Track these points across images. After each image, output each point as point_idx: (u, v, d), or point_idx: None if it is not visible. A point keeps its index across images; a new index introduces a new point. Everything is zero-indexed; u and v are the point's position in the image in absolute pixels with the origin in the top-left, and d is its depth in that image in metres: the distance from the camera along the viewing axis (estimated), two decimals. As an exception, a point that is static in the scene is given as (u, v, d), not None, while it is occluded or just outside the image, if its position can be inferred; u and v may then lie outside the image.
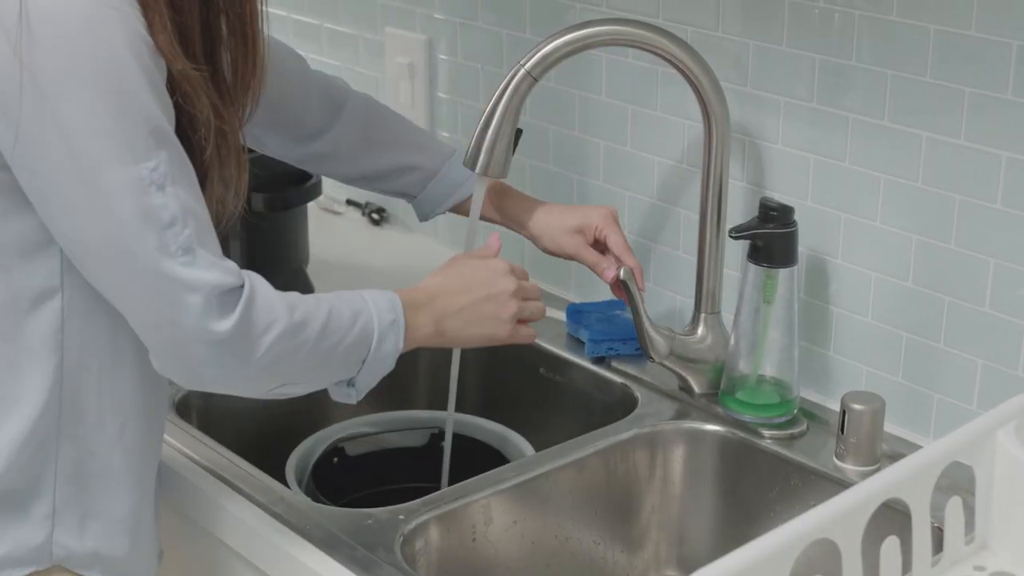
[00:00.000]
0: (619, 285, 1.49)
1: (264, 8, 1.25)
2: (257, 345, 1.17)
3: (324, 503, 1.41)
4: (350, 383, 1.29)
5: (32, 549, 1.23)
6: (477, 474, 1.42)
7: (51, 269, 1.17)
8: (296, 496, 1.39)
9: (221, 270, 1.14)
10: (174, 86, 1.14)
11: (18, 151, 1.09)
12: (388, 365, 1.29)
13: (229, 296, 1.15)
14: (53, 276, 1.18)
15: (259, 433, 1.66)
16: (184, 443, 1.46)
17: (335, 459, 1.60)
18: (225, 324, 1.14)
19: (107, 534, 1.26)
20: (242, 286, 1.16)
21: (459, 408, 1.57)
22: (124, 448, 1.25)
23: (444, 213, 1.59)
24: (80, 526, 1.25)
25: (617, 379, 1.61)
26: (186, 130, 1.16)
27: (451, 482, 1.48)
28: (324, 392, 1.62)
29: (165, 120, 1.11)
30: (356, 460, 1.62)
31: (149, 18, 1.11)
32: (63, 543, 1.24)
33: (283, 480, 1.45)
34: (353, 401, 1.31)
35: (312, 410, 1.71)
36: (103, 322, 1.20)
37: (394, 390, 1.79)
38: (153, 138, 1.10)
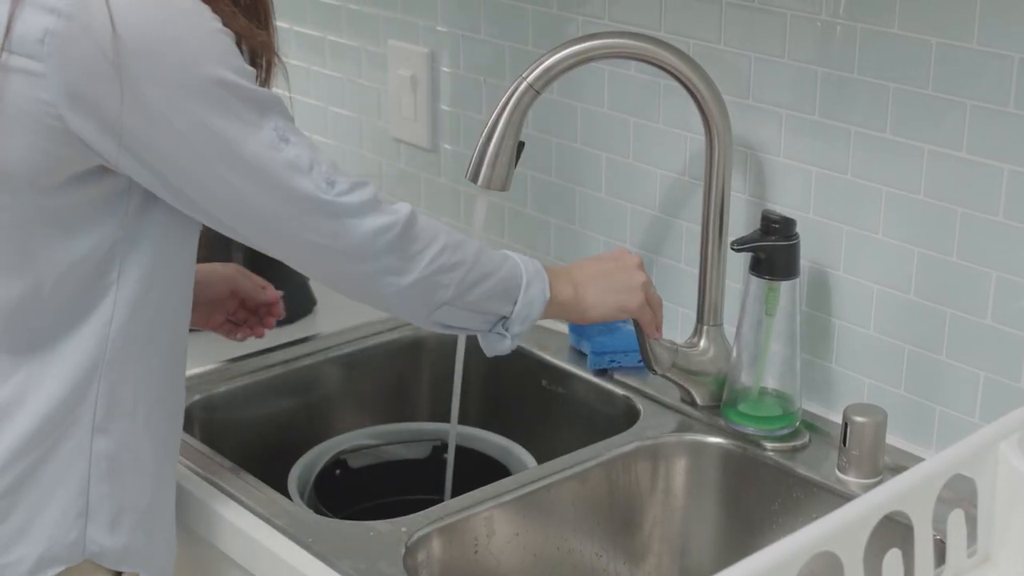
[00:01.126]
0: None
1: None
2: (423, 253, 1.26)
3: (326, 515, 1.41)
4: (504, 326, 1.34)
5: (66, 546, 1.24)
6: (480, 486, 1.42)
7: (111, 266, 1.22)
8: (299, 508, 1.39)
9: (363, 189, 1.23)
10: (256, 57, 1.25)
11: (144, 156, 1.16)
12: (537, 310, 1.35)
13: (386, 209, 1.24)
14: (112, 272, 1.22)
15: (261, 445, 1.66)
16: (187, 455, 1.45)
17: (337, 471, 1.60)
18: (391, 232, 1.23)
19: (136, 527, 1.27)
20: (387, 203, 1.25)
21: (461, 420, 1.57)
22: (151, 436, 1.27)
23: None
24: (113, 521, 1.25)
25: (619, 391, 1.62)
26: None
27: (454, 494, 1.48)
28: (325, 405, 1.63)
29: (259, 90, 1.19)
30: (358, 472, 1.62)
31: (219, 10, 1.18)
32: (96, 539, 1.25)
33: (285, 493, 1.45)
34: (506, 350, 1.36)
35: (314, 423, 1.71)
36: (145, 313, 1.24)
37: (396, 402, 1.79)
38: (256, 104, 1.18)
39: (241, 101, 1.16)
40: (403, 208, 1.25)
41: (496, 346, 1.36)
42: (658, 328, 1.49)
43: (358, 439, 1.64)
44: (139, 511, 1.27)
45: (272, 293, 1.58)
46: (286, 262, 1.28)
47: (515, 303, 1.34)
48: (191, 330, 1.34)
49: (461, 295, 1.29)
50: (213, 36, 1.16)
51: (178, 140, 1.15)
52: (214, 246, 1.73)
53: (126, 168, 1.17)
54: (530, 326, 1.36)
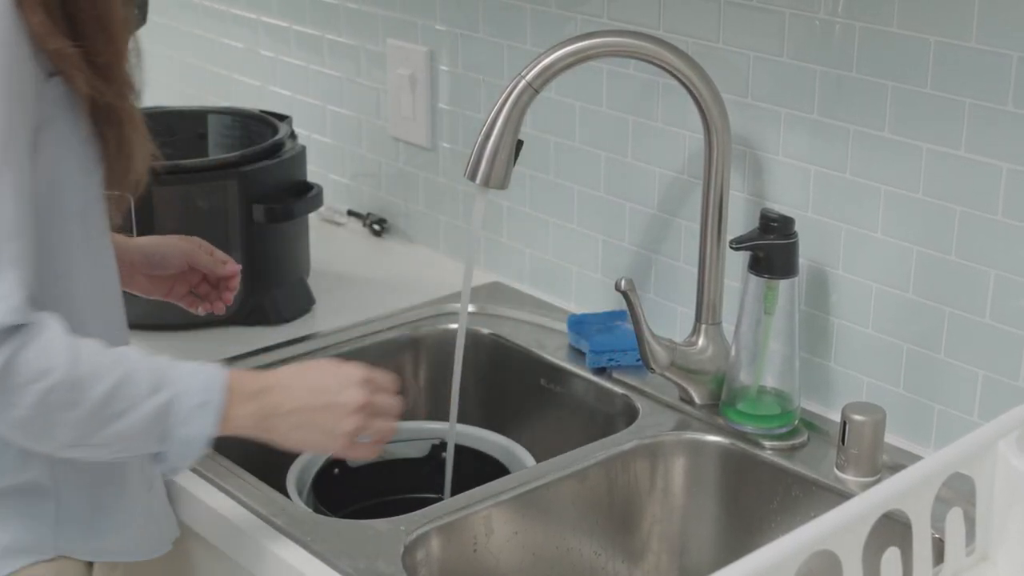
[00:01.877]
0: None
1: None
2: (24, 391, 1.10)
3: (325, 514, 1.41)
4: (161, 459, 1.20)
5: (38, 541, 1.23)
6: (479, 485, 1.42)
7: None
8: (298, 507, 1.39)
9: None
10: (54, 66, 1.15)
11: None
12: (196, 449, 1.19)
13: (1, 333, 1.10)
14: None
15: (260, 444, 1.65)
16: (185, 454, 1.46)
17: (336, 470, 1.60)
18: None
19: (114, 526, 1.27)
20: (20, 326, 1.10)
21: (460, 419, 1.57)
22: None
23: None
24: (89, 520, 1.25)
25: (618, 390, 1.62)
26: (70, 109, 1.17)
27: (453, 493, 1.48)
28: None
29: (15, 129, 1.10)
30: (357, 471, 1.62)
31: (21, 1, 1.11)
32: (70, 537, 1.25)
33: (284, 491, 1.45)
34: (168, 476, 1.23)
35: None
36: (61, 301, 1.19)
37: (395, 401, 1.79)
38: None
39: None
40: (24, 333, 1.10)
41: (163, 470, 1.22)
42: (369, 454, 1.31)
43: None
44: (115, 511, 1.27)
45: (231, 267, 1.55)
46: None
47: (165, 441, 1.17)
48: (159, 300, 1.36)
49: (86, 436, 1.14)
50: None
51: None
52: (210, 242, 1.73)
53: None
54: (195, 459, 1.20)
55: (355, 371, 1.28)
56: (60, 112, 1.17)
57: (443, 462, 1.59)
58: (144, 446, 1.18)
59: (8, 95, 1.10)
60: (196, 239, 1.56)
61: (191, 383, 1.19)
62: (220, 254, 1.56)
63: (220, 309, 1.57)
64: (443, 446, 1.61)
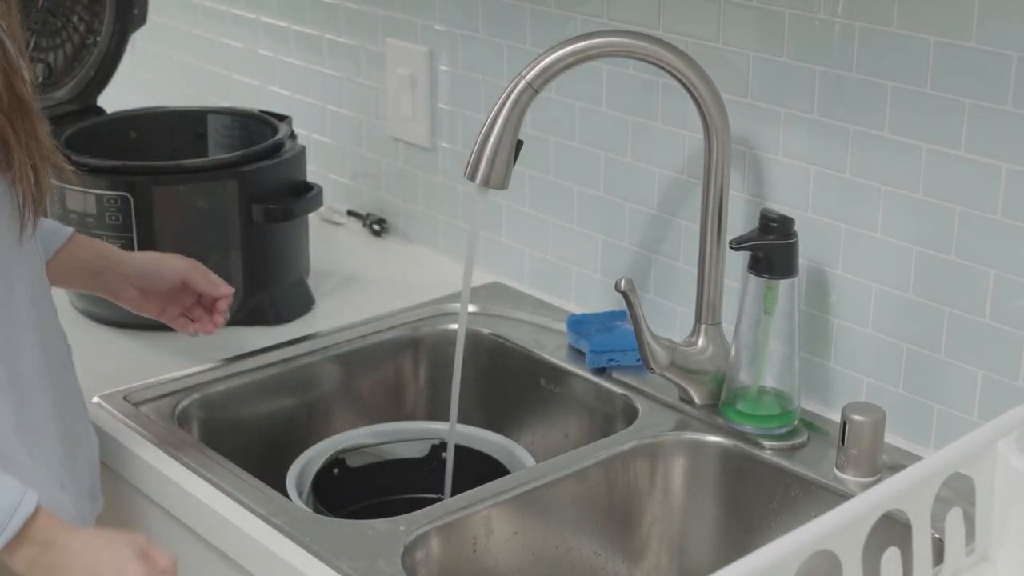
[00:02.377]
0: None
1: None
2: None
3: (325, 514, 1.41)
4: None
5: None
6: (479, 486, 1.42)
7: None
8: (297, 507, 1.39)
9: None
10: None
11: None
12: None
13: None
14: None
15: (259, 444, 1.66)
16: (184, 453, 1.46)
17: (336, 470, 1.60)
18: None
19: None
20: None
21: (460, 419, 1.57)
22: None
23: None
24: None
25: (618, 390, 1.62)
26: None
27: (453, 493, 1.48)
28: (323, 404, 1.63)
29: None
30: (357, 471, 1.62)
31: None
32: None
33: (284, 491, 1.45)
34: None
35: (313, 421, 1.71)
36: None
37: (394, 401, 1.79)
38: None
39: None
40: None
41: None
42: None
43: (357, 438, 1.64)
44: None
45: (225, 289, 1.55)
46: None
47: None
48: (152, 320, 1.37)
49: None
50: None
51: None
52: (210, 242, 1.73)
53: None
54: None
55: (128, 548, 1.21)
56: None
57: (443, 462, 1.59)
58: None
59: None
60: (194, 261, 1.56)
61: (9, 497, 1.16)
62: (215, 278, 1.56)
63: (209, 330, 1.57)
64: (443, 446, 1.61)
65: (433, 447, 1.64)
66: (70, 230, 1.50)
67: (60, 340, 1.36)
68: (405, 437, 1.65)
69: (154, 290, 1.53)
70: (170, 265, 1.53)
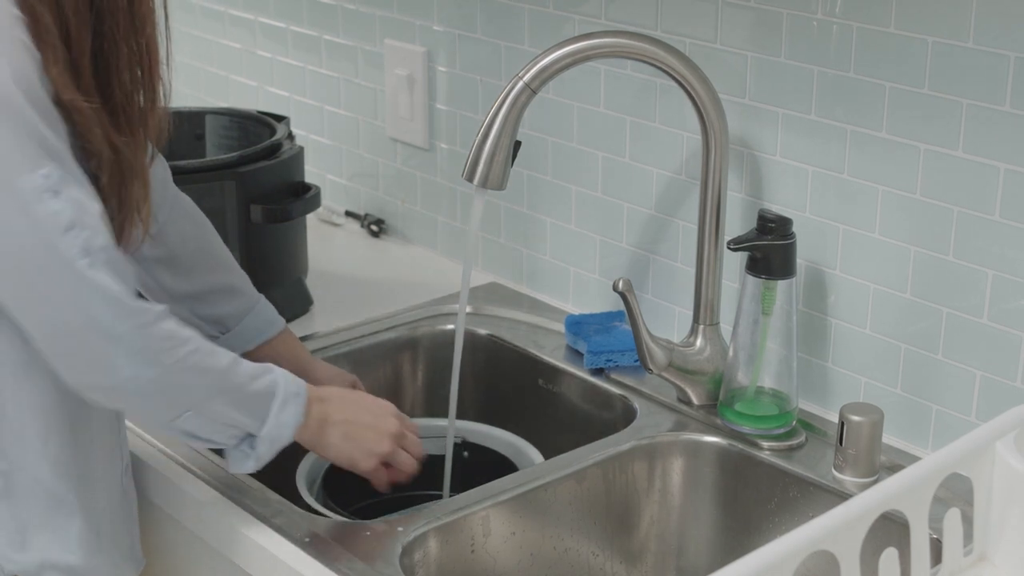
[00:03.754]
0: None
1: (167, 45, 1.26)
2: (170, 352, 1.20)
3: (335, 509, 1.41)
4: (251, 444, 1.29)
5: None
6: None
7: None
8: (295, 508, 1.39)
9: (124, 277, 1.17)
10: (67, 116, 1.16)
11: None
12: (288, 434, 1.30)
13: (138, 301, 1.18)
14: None
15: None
16: (182, 454, 1.45)
17: None
18: (137, 325, 1.17)
19: (57, 546, 1.27)
20: (143, 297, 1.20)
21: (457, 419, 1.57)
22: (51, 461, 1.26)
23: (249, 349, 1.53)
24: (22, 539, 1.26)
25: (616, 390, 1.62)
26: (84, 160, 1.19)
27: (464, 490, 1.47)
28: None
29: (54, 138, 1.14)
30: None
31: (43, 51, 1.14)
32: (8, 556, 1.26)
33: (282, 492, 1.45)
34: (251, 469, 1.30)
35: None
36: (16, 332, 1.20)
37: (393, 400, 1.79)
38: (42, 149, 1.12)
39: (24, 134, 1.12)
40: (157, 305, 1.20)
41: (241, 464, 1.30)
42: (392, 482, 1.44)
43: None
44: (58, 532, 1.27)
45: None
46: (22, 317, 1.17)
47: (265, 420, 1.28)
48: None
49: (207, 402, 1.24)
50: (19, 60, 1.12)
51: None
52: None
53: None
54: (279, 448, 1.30)
55: (390, 405, 1.42)
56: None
57: (464, 460, 1.59)
58: (247, 422, 1.27)
59: (51, 126, 1.14)
60: (353, 377, 1.56)
61: (288, 376, 1.30)
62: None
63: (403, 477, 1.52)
64: (462, 444, 1.61)
65: (455, 445, 1.63)
66: (282, 325, 1.53)
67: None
68: (423, 434, 1.66)
69: None
70: (341, 378, 1.54)
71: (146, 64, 1.23)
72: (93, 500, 1.30)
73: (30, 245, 1.13)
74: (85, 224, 1.14)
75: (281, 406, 1.28)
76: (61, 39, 1.15)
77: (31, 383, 1.24)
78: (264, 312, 1.53)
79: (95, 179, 1.19)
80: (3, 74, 1.10)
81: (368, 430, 1.38)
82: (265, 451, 1.29)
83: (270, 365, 1.30)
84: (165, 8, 1.25)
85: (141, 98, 1.23)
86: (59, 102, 1.15)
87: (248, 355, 1.49)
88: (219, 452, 1.37)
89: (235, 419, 1.26)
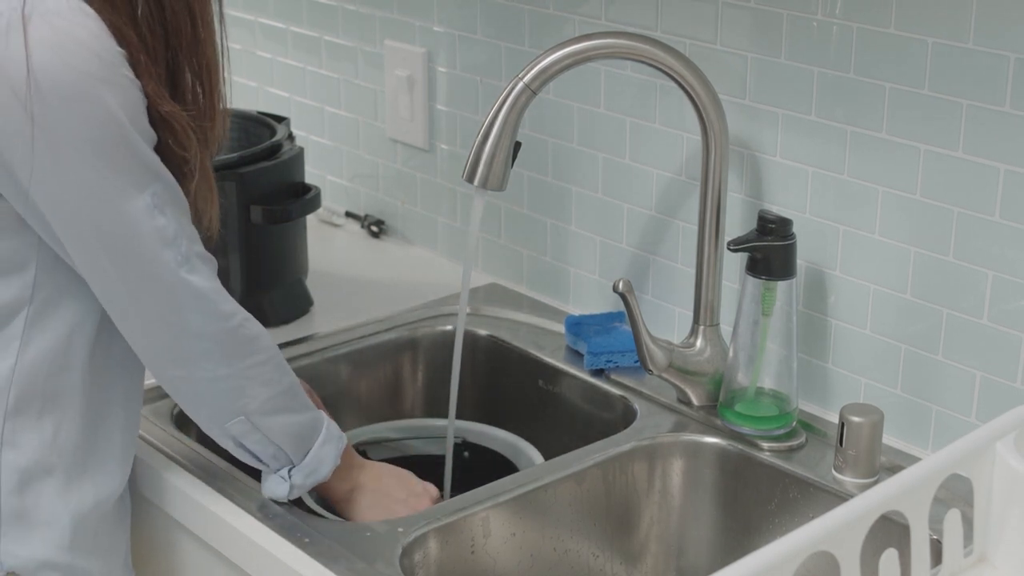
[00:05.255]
0: None
1: (224, 62, 1.33)
2: (248, 357, 1.30)
3: (333, 508, 1.41)
4: (289, 472, 1.35)
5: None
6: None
7: (26, 282, 1.26)
8: (295, 509, 1.39)
9: (213, 275, 1.30)
10: (161, 126, 1.24)
11: (33, 195, 1.19)
12: (326, 470, 1.36)
13: (229, 303, 1.29)
14: (26, 289, 1.26)
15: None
16: (182, 455, 1.46)
17: None
18: (224, 327, 1.28)
19: (55, 543, 1.28)
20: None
21: (457, 419, 1.57)
22: (59, 451, 1.29)
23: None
24: (27, 534, 1.27)
25: (616, 391, 1.62)
26: (175, 165, 1.27)
27: (465, 491, 1.47)
28: (324, 405, 1.62)
29: (153, 155, 1.23)
30: None
31: (136, 68, 1.21)
32: (12, 551, 1.27)
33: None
34: (283, 497, 1.35)
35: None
36: (60, 330, 1.28)
37: (393, 401, 1.79)
38: (147, 170, 1.22)
39: (135, 161, 1.21)
40: (242, 310, 1.31)
41: (275, 489, 1.36)
42: None
43: (377, 432, 1.64)
44: (58, 528, 1.29)
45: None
46: (123, 319, 1.28)
47: (307, 452, 1.35)
48: None
49: (263, 413, 1.31)
50: (126, 91, 1.19)
51: (70, 184, 1.19)
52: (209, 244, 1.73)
53: (22, 208, 1.21)
54: (313, 484, 1.36)
55: (424, 486, 1.44)
56: None
57: (464, 461, 1.59)
58: (291, 446, 1.34)
59: (149, 143, 1.23)
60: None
61: (330, 421, 1.38)
62: None
63: None
64: (465, 444, 1.62)
65: (455, 446, 1.63)
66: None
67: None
68: (428, 434, 1.66)
69: None
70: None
71: (206, 78, 1.29)
72: (95, 504, 1.31)
73: (136, 255, 1.23)
74: (184, 234, 1.25)
75: (323, 443, 1.35)
76: (148, 54, 1.22)
77: (65, 376, 1.29)
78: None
79: (188, 182, 1.29)
80: (111, 103, 1.17)
81: (399, 505, 1.40)
82: (300, 481, 1.35)
83: (318, 409, 1.37)
84: (222, 24, 1.32)
85: (207, 106, 1.30)
86: (158, 116, 1.23)
87: None
88: (257, 477, 1.40)
89: (282, 440, 1.33)
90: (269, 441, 1.33)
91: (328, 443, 1.36)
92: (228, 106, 1.35)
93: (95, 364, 1.30)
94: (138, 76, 1.21)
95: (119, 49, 1.19)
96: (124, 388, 1.34)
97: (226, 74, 1.33)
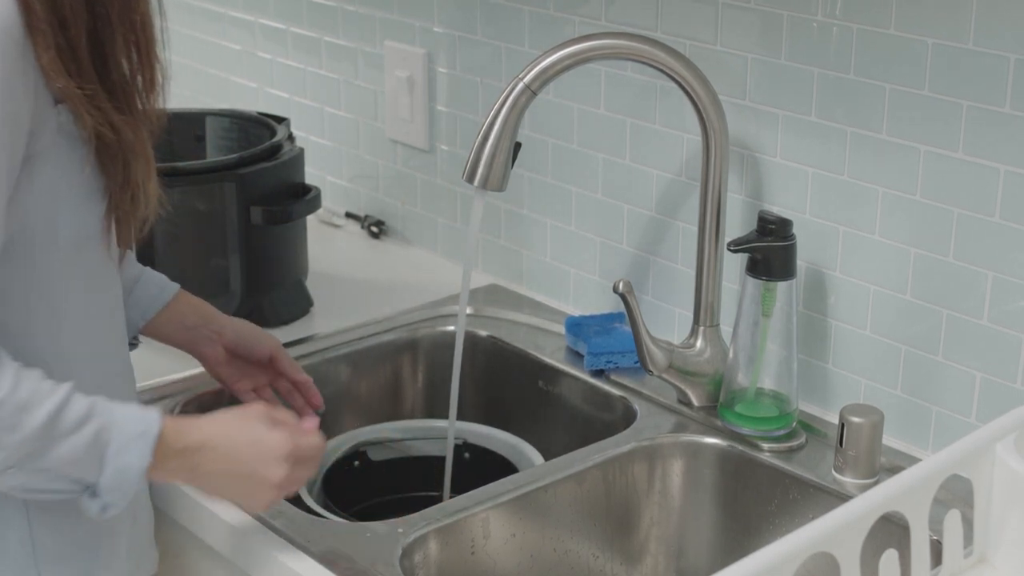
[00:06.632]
0: None
1: (161, 22, 1.24)
2: None
3: (335, 511, 1.41)
4: (94, 492, 1.18)
5: None
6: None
7: None
8: (294, 510, 1.39)
9: None
10: (63, 102, 1.15)
11: None
12: (133, 479, 1.18)
13: None
14: None
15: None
16: (183, 456, 1.46)
17: (356, 462, 1.60)
18: None
19: (100, 562, 1.27)
20: None
21: (458, 420, 1.57)
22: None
23: (139, 334, 1.48)
24: (73, 558, 1.25)
25: (616, 392, 1.62)
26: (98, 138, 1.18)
27: (465, 491, 1.48)
28: (324, 406, 1.63)
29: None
30: (378, 465, 1.63)
31: (34, 38, 1.11)
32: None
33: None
34: (106, 515, 1.20)
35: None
36: (50, 331, 1.20)
37: (393, 402, 1.79)
38: None
39: None
40: None
41: (92, 510, 1.19)
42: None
43: (379, 432, 1.64)
44: (70, 542, 1.25)
45: (304, 376, 1.54)
46: None
47: (102, 470, 1.16)
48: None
49: (28, 459, 1.14)
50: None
51: None
52: (209, 244, 1.73)
53: None
54: (132, 492, 1.18)
55: (280, 445, 1.25)
56: (64, 140, 1.17)
57: (464, 462, 1.59)
58: (81, 473, 1.16)
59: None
60: (277, 340, 1.55)
61: (127, 414, 1.18)
62: (296, 364, 1.54)
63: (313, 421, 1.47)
64: (466, 445, 1.62)
65: (456, 447, 1.63)
66: (176, 287, 1.50)
67: (131, 369, 1.36)
68: (430, 435, 1.66)
69: (242, 356, 1.52)
70: (266, 341, 1.53)
71: (142, 44, 1.21)
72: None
73: None
74: None
75: (118, 452, 1.17)
76: (57, 24, 1.13)
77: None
78: (152, 279, 1.48)
79: (99, 159, 1.18)
80: None
81: (247, 480, 1.25)
82: (113, 498, 1.18)
83: (105, 407, 1.18)
84: None
85: (140, 78, 1.22)
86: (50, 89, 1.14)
87: (150, 325, 1.47)
88: None
89: (66, 471, 1.16)
90: (54, 477, 1.16)
91: (126, 449, 1.16)
92: (166, 79, 1.25)
93: None
94: (33, 44, 1.10)
95: (17, 18, 1.09)
96: None
97: (164, 46, 1.24)
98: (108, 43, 1.18)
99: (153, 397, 1.57)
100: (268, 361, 1.52)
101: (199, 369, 1.64)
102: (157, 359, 1.65)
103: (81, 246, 1.22)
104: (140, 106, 1.23)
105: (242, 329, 1.52)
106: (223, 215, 1.73)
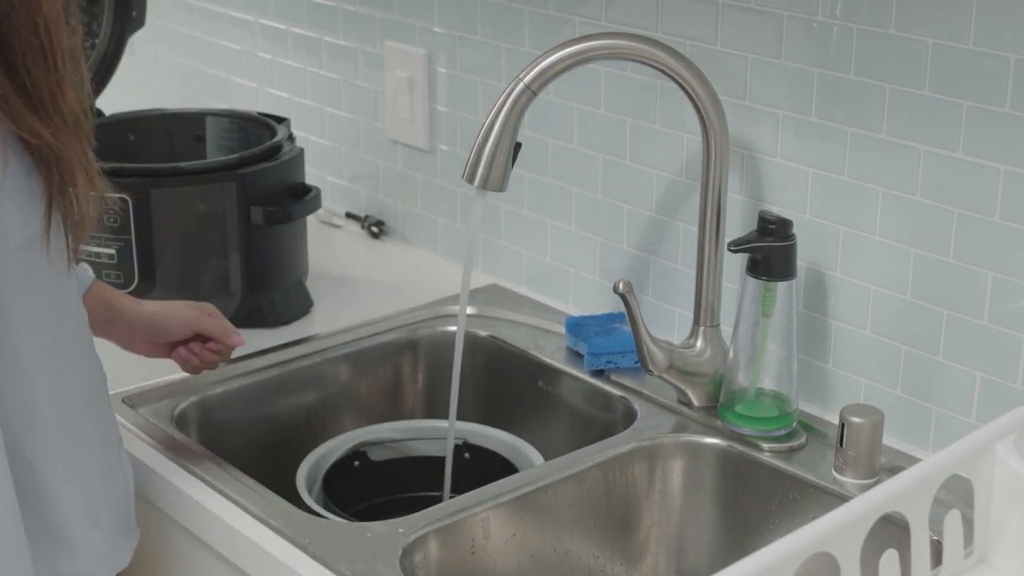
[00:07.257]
0: None
1: (69, 21, 1.19)
2: None
3: (335, 510, 1.41)
4: None
5: None
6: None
7: None
8: (295, 510, 1.39)
9: None
10: None
11: None
12: None
13: None
14: None
15: (258, 446, 1.66)
16: (183, 456, 1.46)
17: (356, 463, 1.60)
18: None
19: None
20: None
21: (458, 420, 1.57)
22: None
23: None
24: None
25: (616, 392, 1.62)
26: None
27: (465, 492, 1.48)
28: (322, 405, 1.63)
29: None
30: (378, 465, 1.63)
31: None
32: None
33: (282, 493, 1.45)
34: None
35: (311, 423, 1.71)
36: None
37: (393, 402, 1.79)
38: None
39: None
40: None
41: None
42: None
43: (380, 432, 1.64)
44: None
45: (236, 339, 1.53)
46: None
47: None
48: None
49: None
50: None
51: None
52: (209, 245, 1.73)
53: None
54: None
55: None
56: (10, 141, 1.14)
57: (465, 462, 1.59)
58: None
59: None
60: (203, 305, 1.53)
61: None
62: (227, 323, 1.53)
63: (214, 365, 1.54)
64: (466, 446, 1.62)
65: (456, 447, 1.63)
66: (91, 277, 1.49)
67: (100, 370, 1.34)
68: (430, 435, 1.66)
69: (160, 343, 1.52)
70: (177, 318, 1.51)
71: (47, 48, 1.16)
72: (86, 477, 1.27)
73: None
74: None
75: None
76: None
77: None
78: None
79: (35, 162, 1.16)
80: None
81: None
82: None
83: None
84: None
85: (52, 82, 1.16)
86: None
87: None
88: None
89: None
90: None
91: None
92: (85, 80, 1.21)
93: None
94: None
95: None
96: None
97: (79, 45, 1.19)
98: (12, 47, 1.14)
99: (153, 397, 1.57)
100: (195, 334, 1.52)
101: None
102: (157, 359, 1.65)
103: (27, 251, 1.19)
104: (60, 110, 1.18)
105: (150, 317, 1.50)
106: (223, 215, 1.73)
